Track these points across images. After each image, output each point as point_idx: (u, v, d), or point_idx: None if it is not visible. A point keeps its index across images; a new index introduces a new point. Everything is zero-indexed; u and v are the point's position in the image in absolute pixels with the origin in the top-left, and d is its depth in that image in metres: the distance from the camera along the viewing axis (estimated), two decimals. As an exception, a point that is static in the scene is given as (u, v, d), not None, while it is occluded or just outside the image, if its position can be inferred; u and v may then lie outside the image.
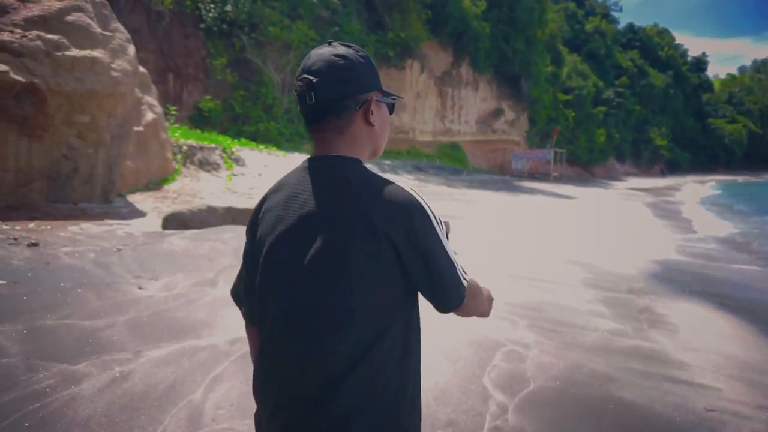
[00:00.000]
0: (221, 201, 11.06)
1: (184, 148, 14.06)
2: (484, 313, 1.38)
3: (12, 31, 7.45)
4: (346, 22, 30.01)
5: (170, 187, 11.86)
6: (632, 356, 4.19)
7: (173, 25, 22.65)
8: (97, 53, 8.12)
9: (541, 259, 8.05)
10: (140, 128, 11.50)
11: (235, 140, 18.68)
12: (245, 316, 1.37)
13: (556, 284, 6.49)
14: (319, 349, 1.11)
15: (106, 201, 9.15)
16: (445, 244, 1.16)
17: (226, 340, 3.83)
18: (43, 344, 3.49)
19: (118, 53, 8.47)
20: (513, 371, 3.68)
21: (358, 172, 1.18)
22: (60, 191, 8.41)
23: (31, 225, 6.34)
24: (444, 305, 1.18)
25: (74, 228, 6.44)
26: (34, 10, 7.91)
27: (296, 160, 17.96)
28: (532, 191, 26.07)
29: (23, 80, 7.27)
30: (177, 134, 15.33)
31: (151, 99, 12.96)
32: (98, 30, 8.33)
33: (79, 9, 8.28)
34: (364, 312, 1.11)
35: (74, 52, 7.88)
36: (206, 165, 14.16)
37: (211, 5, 24.72)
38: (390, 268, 1.12)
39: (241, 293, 1.35)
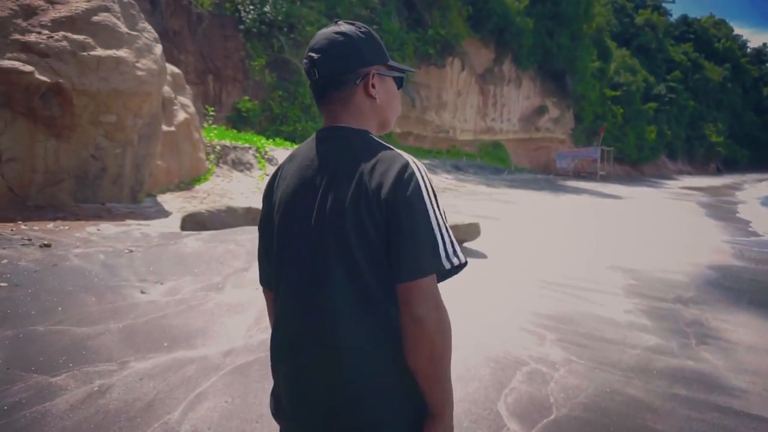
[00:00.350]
0: (249, 201, 10.94)
1: (218, 148, 14.08)
2: (435, 358, 1.12)
3: (39, 33, 7.48)
4: (385, 20, 29.73)
5: (201, 187, 11.85)
6: (676, 380, 3.67)
7: (213, 28, 22.92)
8: (122, 53, 8.09)
9: (579, 264, 7.49)
10: (172, 128, 11.53)
11: (270, 140, 18.67)
12: (262, 282, 1.40)
13: (593, 292, 5.96)
14: (322, 314, 1.15)
15: (135, 201, 9.14)
16: (432, 211, 1.13)
17: (219, 352, 3.56)
18: (28, 353, 3.30)
19: (143, 52, 8.42)
20: (534, 396, 3.24)
21: (361, 140, 1.22)
22: (88, 191, 8.43)
23: (50, 225, 6.31)
24: (410, 267, 1.09)
25: (92, 228, 6.36)
26: (61, 11, 7.93)
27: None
28: (576, 191, 25.07)
29: (48, 81, 7.28)
30: (212, 134, 15.40)
31: (185, 99, 13.02)
32: (124, 29, 8.30)
33: (106, 9, 8.27)
34: (365, 275, 1.13)
35: (99, 51, 7.86)
36: (239, 165, 14.13)
37: (251, 7, 24.93)
38: (383, 232, 1.12)
39: (262, 261, 1.38)
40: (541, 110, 40.37)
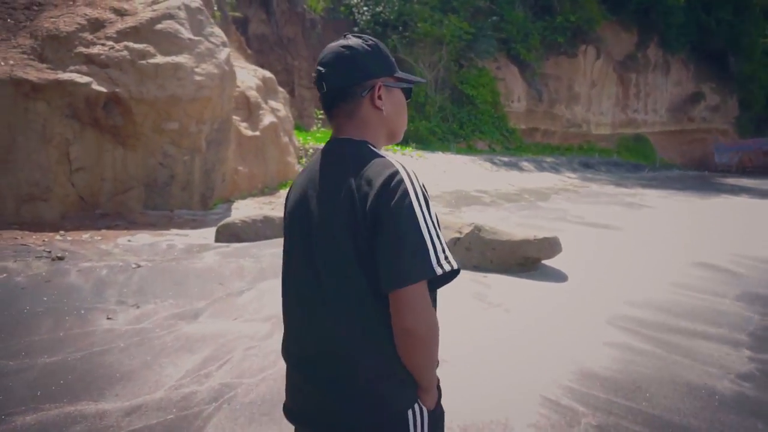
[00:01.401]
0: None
1: (310, 151, 13.89)
2: (425, 357, 1.18)
3: (103, 44, 7.63)
4: (507, 10, 27.89)
5: (283, 192, 11.65)
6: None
7: (327, 32, 23.19)
8: (181, 59, 7.99)
9: (695, 294, 5.73)
10: (257, 133, 11.48)
11: None
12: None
13: (699, 339, 4.35)
14: (321, 325, 1.23)
15: (205, 207, 9.10)
16: (422, 218, 1.13)
17: (125, 407, 2.89)
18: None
19: (204, 57, 8.27)
20: None
21: (356, 151, 1.25)
22: (158, 198, 8.51)
23: (86, 235, 6.27)
24: (397, 275, 1.10)
25: (123, 240, 6.21)
26: (128, 22, 8.05)
27: (436, 160, 16.82)
28: (734, 190, 21.15)
29: (105, 90, 7.36)
30: (310, 138, 15.32)
31: (276, 103, 13.00)
32: (186, 35, 8.21)
33: (171, 17, 8.26)
34: (359, 285, 1.16)
35: (158, 59, 7.83)
36: (332, 168, 13.81)
37: (364, 8, 24.87)
38: (372, 240, 1.14)
39: None
40: (695, 97, 35.24)
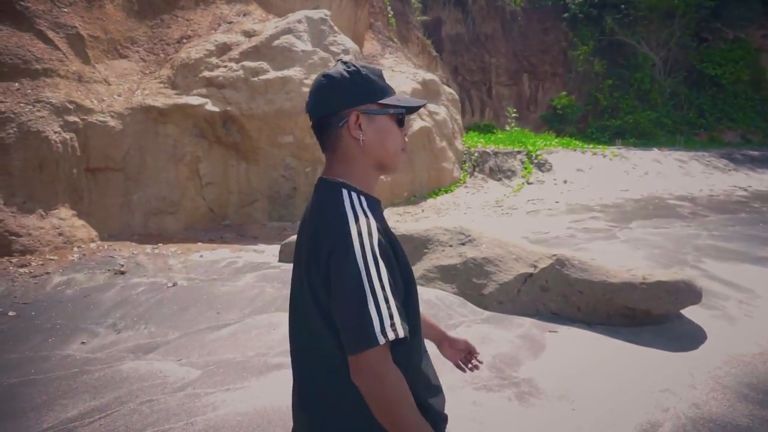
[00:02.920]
0: (458, 220, 9.46)
1: (475, 155, 12.86)
2: (390, 419, 1.12)
3: (225, 66, 8.14)
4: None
5: (434, 201, 10.97)
6: None
7: (530, 23, 21.46)
8: (291, 72, 8.03)
9: None
10: (404, 139, 11.04)
11: (551, 140, 16.04)
12: None
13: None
14: (299, 365, 1.27)
15: (329, 219, 9.05)
16: (365, 278, 1.08)
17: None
18: None
19: (317, 68, 8.17)
20: None
21: (324, 198, 1.23)
22: (282, 210, 8.77)
23: (173, 248, 6.68)
24: (346, 346, 1.11)
25: (195, 255, 6.42)
26: (252, 42, 8.45)
27: (640, 160, 13.98)
28: None
29: (218, 110, 7.82)
30: (481, 140, 14.24)
31: (435, 107, 12.35)
32: (300, 48, 8.23)
33: (289, 31, 8.39)
34: (323, 332, 1.16)
35: (270, 74, 8.00)
36: (498, 172, 12.54)
37: (577, -10, 22.23)
38: (328, 298, 1.14)
39: None
40: None
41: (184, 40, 8.84)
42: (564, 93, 20.67)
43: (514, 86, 21.00)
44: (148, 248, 6.60)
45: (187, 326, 4.32)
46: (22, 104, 6.41)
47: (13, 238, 5.88)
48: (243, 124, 8.02)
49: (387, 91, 1.27)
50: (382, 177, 1.36)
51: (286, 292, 4.95)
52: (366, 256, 1.09)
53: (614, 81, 21.30)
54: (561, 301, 4.61)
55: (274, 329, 4.18)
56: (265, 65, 8.08)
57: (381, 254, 1.10)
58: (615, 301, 4.43)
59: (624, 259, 6.22)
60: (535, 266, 4.76)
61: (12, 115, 6.25)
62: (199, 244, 7.04)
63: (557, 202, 10.66)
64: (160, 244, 6.83)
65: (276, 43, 8.26)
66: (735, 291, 5.43)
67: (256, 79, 7.96)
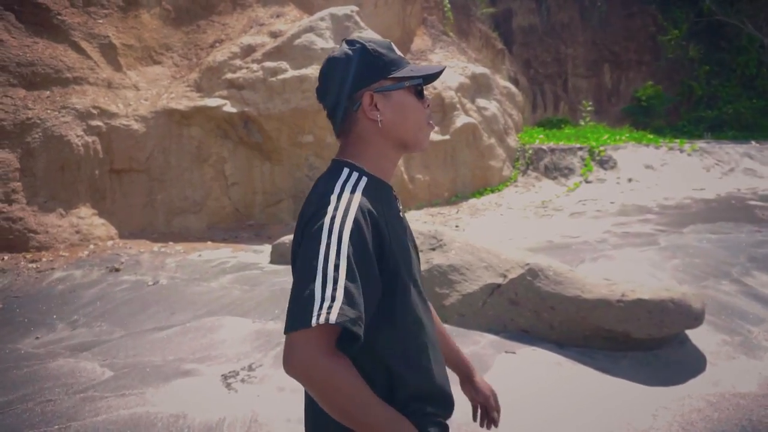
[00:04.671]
0: (489, 221, 8.88)
1: (530, 152, 12.04)
2: (333, 412, 1.02)
3: (248, 68, 8.23)
4: None
5: (476, 201, 10.40)
6: None
7: (613, 8, 19.79)
8: (309, 71, 7.94)
9: None
10: (446, 137, 10.58)
11: (621, 134, 14.55)
12: None
13: None
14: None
15: (356, 219, 8.87)
16: (324, 256, 1.00)
17: None
18: None
19: (335, 65, 7.99)
20: None
21: (325, 176, 1.18)
22: (308, 210, 8.73)
23: (180, 247, 6.82)
24: (286, 319, 1.02)
25: (195, 255, 6.49)
26: (276, 43, 8.48)
27: (725, 155, 12.35)
28: None
29: (236, 111, 7.91)
30: (539, 136, 13.30)
31: (485, 102, 11.73)
32: (319, 46, 8.11)
33: (311, 29, 8.31)
34: None
35: (287, 74, 7.97)
36: (554, 171, 11.65)
37: (669, -32, 20.14)
38: None
39: None
40: None
41: (217, 44, 9.07)
42: (650, 83, 18.84)
43: (593, 78, 19.49)
44: (156, 246, 6.81)
45: (136, 326, 4.33)
46: (48, 111, 6.88)
47: (31, 235, 6.31)
48: (262, 125, 8.06)
49: (399, 62, 1.18)
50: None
51: (252, 294, 4.86)
52: (331, 235, 1.02)
53: (712, 67, 19.09)
54: (532, 317, 4.05)
55: (211, 333, 4.07)
56: (284, 65, 8.06)
57: (351, 236, 1.02)
58: (589, 321, 3.80)
59: (644, 269, 5.43)
60: (505, 276, 4.22)
61: (38, 121, 6.72)
62: (209, 243, 7.16)
63: (612, 203, 9.66)
64: (171, 243, 7.03)
65: (297, 42, 8.21)
66: (777, 312, 4.51)
67: (274, 79, 7.97)
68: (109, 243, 6.87)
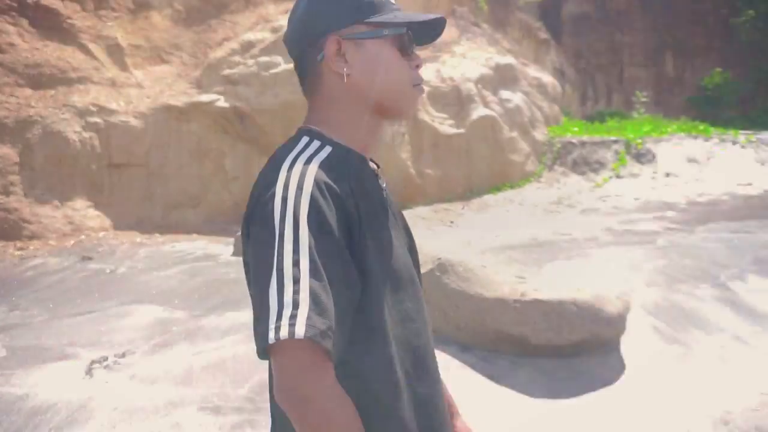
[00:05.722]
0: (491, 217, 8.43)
1: (557, 145, 11.31)
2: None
3: (244, 64, 8.33)
4: None
5: (492, 197, 9.91)
6: None
7: (677, -10, 18.20)
8: (299, 64, 7.89)
9: None
10: (461, 130, 10.18)
11: (666, 126, 13.25)
12: None
13: None
14: None
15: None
16: (273, 252, 0.79)
17: None
18: None
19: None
20: None
21: (280, 149, 0.95)
22: (307, 205, 8.71)
23: (161, 239, 6.99)
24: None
25: (168, 246, 6.62)
26: (273, 38, 8.51)
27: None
28: None
29: (228, 106, 8.01)
30: (573, 128, 12.47)
31: (509, 93, 11.21)
32: (312, 38, 8.04)
33: (306, 22, 8.26)
34: None
35: (280, 68, 7.97)
36: (583, 165, 10.87)
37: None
38: None
39: None
40: None
41: (225, 42, 9.26)
42: (718, 69, 17.16)
43: (653, 67, 18.06)
44: (140, 238, 7.04)
45: (64, 311, 4.46)
46: (50, 108, 7.32)
47: (25, 225, 6.73)
48: (255, 119, 8.12)
49: (381, 5, 0.94)
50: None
51: (188, 284, 4.89)
52: (285, 218, 0.80)
53: (795, 51, 17.09)
54: (439, 316, 3.73)
55: (117, 320, 4.10)
56: (278, 59, 8.07)
57: (309, 219, 0.80)
58: (487, 323, 3.43)
59: (616, 269, 4.90)
60: (417, 270, 3.92)
61: (39, 119, 7.16)
62: (194, 235, 7.31)
63: (636, 199, 8.86)
64: (157, 234, 7.24)
65: (291, 36, 8.19)
66: (750, 324, 3.89)
67: (266, 73, 8.00)
68: (101, 234, 7.19)
